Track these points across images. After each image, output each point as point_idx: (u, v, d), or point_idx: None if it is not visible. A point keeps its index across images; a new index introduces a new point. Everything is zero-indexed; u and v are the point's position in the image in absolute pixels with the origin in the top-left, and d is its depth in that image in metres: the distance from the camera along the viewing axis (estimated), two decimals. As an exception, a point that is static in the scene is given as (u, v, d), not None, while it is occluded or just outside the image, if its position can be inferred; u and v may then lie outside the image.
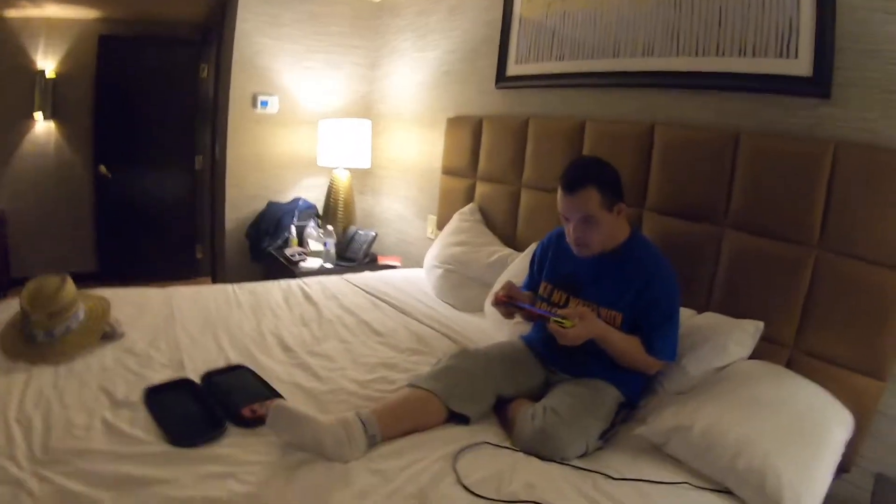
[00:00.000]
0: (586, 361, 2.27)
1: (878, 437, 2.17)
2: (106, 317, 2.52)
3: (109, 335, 2.49)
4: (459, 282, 3.39)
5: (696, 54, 2.67)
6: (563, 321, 2.08)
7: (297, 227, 4.60)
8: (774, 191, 2.36)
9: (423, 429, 1.99)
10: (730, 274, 2.50)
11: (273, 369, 2.40)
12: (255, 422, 1.94)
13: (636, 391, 2.32)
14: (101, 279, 5.04)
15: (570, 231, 2.28)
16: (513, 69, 3.63)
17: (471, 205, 3.77)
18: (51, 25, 5.34)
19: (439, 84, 4.31)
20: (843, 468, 2.02)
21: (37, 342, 2.28)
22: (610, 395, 2.20)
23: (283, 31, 4.77)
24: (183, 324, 2.77)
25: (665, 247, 2.38)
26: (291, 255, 4.33)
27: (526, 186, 3.48)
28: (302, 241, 4.59)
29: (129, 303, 2.91)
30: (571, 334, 2.07)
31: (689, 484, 1.82)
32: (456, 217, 3.73)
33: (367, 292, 3.50)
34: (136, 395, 2.06)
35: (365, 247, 4.39)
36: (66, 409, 1.96)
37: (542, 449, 1.92)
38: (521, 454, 1.93)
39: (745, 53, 2.50)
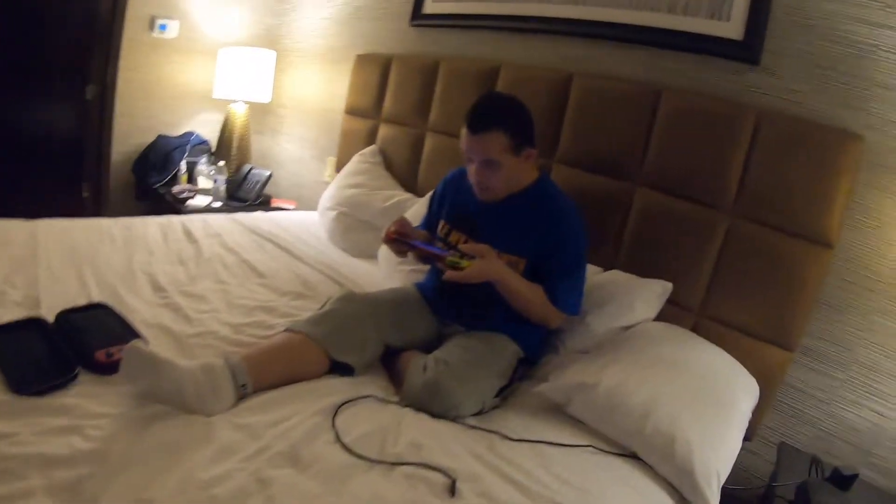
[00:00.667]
0: (483, 312, 2.07)
1: (783, 407, 2.04)
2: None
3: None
4: (352, 225, 3.11)
5: (629, 7, 2.50)
6: (460, 261, 1.85)
7: (187, 163, 4.18)
8: (692, 152, 2.22)
9: (301, 379, 1.75)
10: (639, 233, 2.35)
11: (139, 309, 2.08)
12: (111, 367, 1.62)
13: (536, 346, 2.13)
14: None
15: (472, 172, 2.04)
16: (430, 6, 3.33)
17: (372, 147, 3.47)
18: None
19: (349, 20, 3.96)
20: (746, 437, 1.88)
21: None
22: (508, 350, 2.00)
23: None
24: (46, 259, 2.37)
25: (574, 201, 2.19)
26: (179, 193, 3.93)
27: (432, 130, 3.20)
28: (192, 179, 4.17)
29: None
30: (468, 271, 1.84)
31: (594, 447, 1.64)
32: (355, 158, 3.43)
33: (253, 232, 3.17)
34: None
35: (258, 186, 4.03)
36: None
37: (432, 404, 1.70)
38: (409, 410, 1.71)
39: (676, 11, 2.36)
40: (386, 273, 2.75)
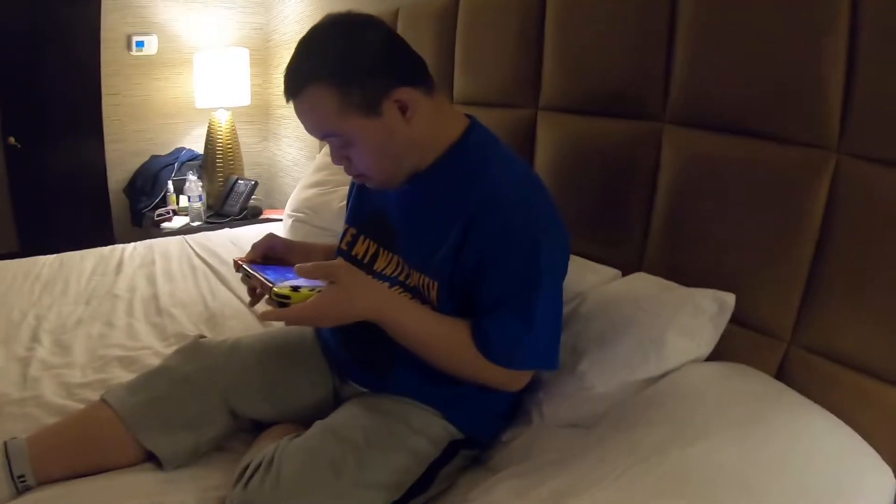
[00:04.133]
0: (384, 365, 1.11)
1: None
2: None
3: None
4: (309, 235, 2.12)
5: None
6: (291, 293, 0.91)
7: (175, 181, 3.33)
8: (753, 53, 1.10)
9: (108, 468, 1.08)
10: (675, 204, 1.25)
11: None
12: None
13: (486, 417, 1.13)
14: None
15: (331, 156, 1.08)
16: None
17: (342, 134, 2.46)
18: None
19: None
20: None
21: None
22: (426, 429, 1.04)
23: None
24: None
25: (572, 165, 1.12)
26: (159, 215, 3.07)
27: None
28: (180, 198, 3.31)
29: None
30: (307, 312, 0.91)
31: None
32: (322, 151, 2.47)
33: (198, 256, 2.29)
34: None
35: (242, 198, 3.12)
36: None
37: None
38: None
39: None
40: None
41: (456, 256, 0.97)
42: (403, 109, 0.97)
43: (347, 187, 2.06)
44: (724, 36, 1.14)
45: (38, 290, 2.01)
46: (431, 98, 1.00)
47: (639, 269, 1.29)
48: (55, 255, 2.33)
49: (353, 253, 1.19)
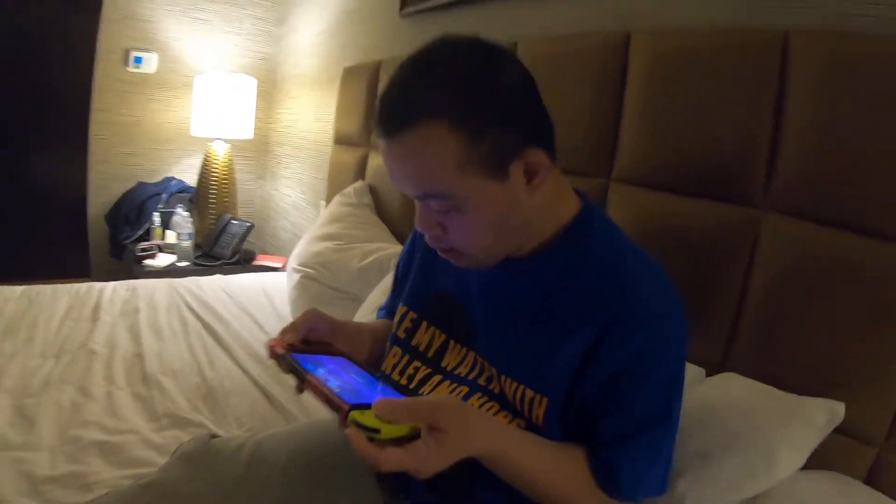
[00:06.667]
0: (465, 486, 0.90)
1: None
2: None
3: None
4: (320, 295, 1.94)
5: None
6: (373, 428, 0.66)
7: (162, 213, 3.14)
8: (864, 136, 1.00)
9: None
10: (772, 301, 1.12)
11: None
12: None
13: None
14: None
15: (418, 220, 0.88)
16: (423, -13, 2.20)
17: (359, 182, 2.34)
18: None
19: (341, 28, 2.90)
20: None
21: None
22: None
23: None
24: None
25: (646, 246, 0.96)
26: (141, 251, 2.88)
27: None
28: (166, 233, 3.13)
29: None
30: (405, 462, 0.65)
31: None
32: (336, 200, 2.31)
33: (188, 306, 2.08)
34: None
35: (236, 241, 2.95)
36: None
37: None
38: None
39: None
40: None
41: (580, 370, 0.80)
42: (530, 175, 0.80)
43: (367, 245, 1.96)
44: (838, 118, 1.02)
45: (-4, 335, 1.77)
46: (554, 166, 0.84)
47: (722, 367, 1.17)
48: (22, 288, 2.10)
49: (414, 343, 1.00)
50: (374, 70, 2.34)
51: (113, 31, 3.32)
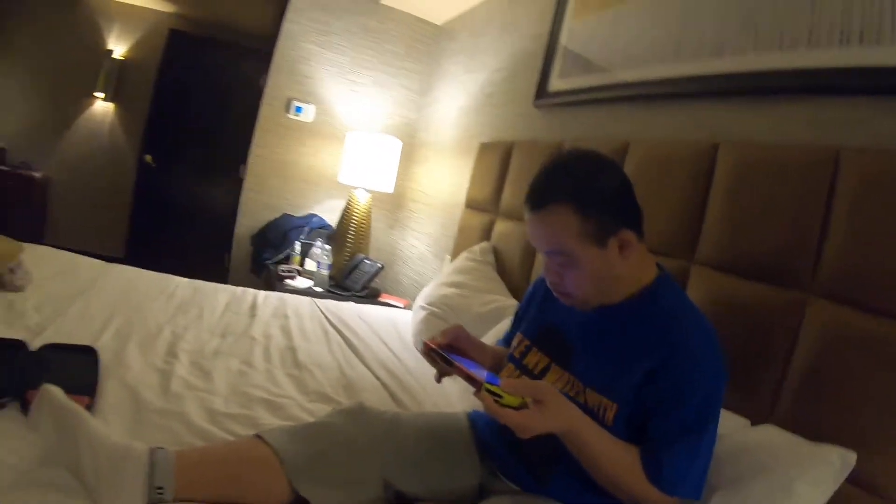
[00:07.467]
0: (548, 469, 1.26)
1: None
2: (7, 259, 2.04)
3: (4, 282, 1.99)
4: (439, 329, 2.34)
5: (780, 48, 1.66)
6: (501, 394, 1.05)
7: (303, 244, 3.68)
8: None
9: (247, 502, 1.17)
10: (812, 369, 1.40)
11: (130, 366, 1.67)
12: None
13: None
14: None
15: (544, 269, 1.30)
16: (556, 84, 2.65)
17: (484, 243, 2.75)
18: (126, 11, 5.07)
19: (480, 108, 3.38)
20: None
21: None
22: None
23: (331, 39, 4.04)
24: (91, 298, 2.13)
25: (714, 319, 1.31)
26: (283, 271, 3.41)
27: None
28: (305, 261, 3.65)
29: (65, 268, 2.41)
30: (516, 419, 1.02)
31: None
32: (463, 256, 2.73)
33: (328, 320, 2.53)
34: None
35: (366, 278, 3.42)
36: None
37: None
38: None
39: (848, 41, 1.49)
40: (460, 394, 1.95)
41: (641, 388, 1.15)
42: (622, 248, 1.19)
43: (486, 296, 2.36)
44: (877, 223, 1.32)
45: (172, 309, 2.22)
46: (641, 243, 1.23)
47: (766, 421, 1.43)
48: (188, 280, 2.62)
49: (525, 362, 1.38)
50: (508, 149, 2.79)
51: (280, 81, 3.97)
